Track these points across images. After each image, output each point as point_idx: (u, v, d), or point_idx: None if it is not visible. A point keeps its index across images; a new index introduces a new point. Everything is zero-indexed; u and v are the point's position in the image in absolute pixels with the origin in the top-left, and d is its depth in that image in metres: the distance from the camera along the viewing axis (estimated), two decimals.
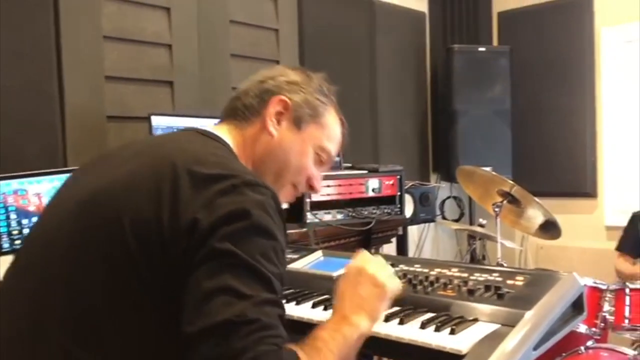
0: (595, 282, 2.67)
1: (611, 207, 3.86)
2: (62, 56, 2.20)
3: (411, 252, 3.68)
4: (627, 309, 2.53)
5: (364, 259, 1.10)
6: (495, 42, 4.25)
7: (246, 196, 0.90)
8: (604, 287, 2.66)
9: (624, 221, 3.53)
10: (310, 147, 1.14)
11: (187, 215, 0.86)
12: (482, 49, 3.95)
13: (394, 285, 1.08)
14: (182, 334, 0.82)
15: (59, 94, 2.21)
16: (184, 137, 1.09)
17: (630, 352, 2.41)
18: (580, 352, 2.39)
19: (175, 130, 2.27)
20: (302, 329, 1.03)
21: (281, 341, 0.84)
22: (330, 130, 1.18)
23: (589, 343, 2.43)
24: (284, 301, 1.45)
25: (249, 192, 0.90)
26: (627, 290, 2.55)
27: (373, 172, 2.87)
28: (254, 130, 1.12)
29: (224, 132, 1.11)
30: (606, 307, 2.63)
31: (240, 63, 2.87)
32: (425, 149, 4.12)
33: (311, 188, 1.18)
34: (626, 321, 2.53)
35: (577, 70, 3.89)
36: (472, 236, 3.76)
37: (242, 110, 1.13)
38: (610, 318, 2.61)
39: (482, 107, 3.88)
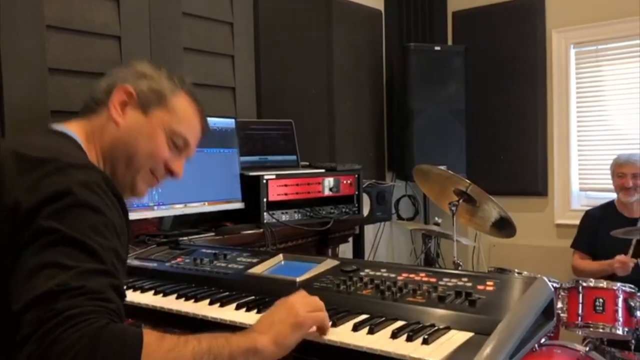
0: (549, 280, 2.71)
1: (560, 206, 3.95)
2: (1, 50, 2.04)
3: (367, 252, 3.66)
4: (580, 307, 2.59)
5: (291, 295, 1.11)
6: (450, 41, 4.27)
7: (70, 176, 0.92)
8: (557, 286, 2.71)
9: (572, 220, 3.62)
10: (159, 131, 1.15)
11: (10, 199, 0.89)
12: (437, 47, 3.97)
13: (312, 317, 1.07)
14: (13, 315, 0.82)
15: None
16: (29, 134, 1.11)
17: (582, 348, 2.46)
18: (534, 349, 2.42)
19: None
20: None
21: (113, 306, 0.84)
22: (181, 114, 1.18)
23: (542, 340, 2.46)
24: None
25: (74, 173, 0.93)
26: (580, 289, 2.61)
27: (331, 171, 2.83)
28: (101, 121, 1.14)
29: (71, 127, 1.13)
30: (559, 304, 2.68)
31: (194, 57, 2.76)
32: (381, 148, 4.11)
33: (171, 173, 1.19)
34: (579, 319, 2.58)
35: (529, 71, 3.96)
36: (427, 235, 3.78)
37: (90, 105, 1.17)
38: (563, 315, 2.66)
39: (438, 106, 3.90)
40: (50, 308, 0.79)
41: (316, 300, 1.10)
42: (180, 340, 0.88)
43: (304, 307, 1.06)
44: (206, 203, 2.47)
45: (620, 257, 2.90)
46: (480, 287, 1.20)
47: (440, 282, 1.25)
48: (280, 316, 1.04)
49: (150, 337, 0.85)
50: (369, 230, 3.78)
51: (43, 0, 2.17)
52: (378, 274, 1.34)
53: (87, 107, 1.17)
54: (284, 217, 2.63)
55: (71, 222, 0.87)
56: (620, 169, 3.22)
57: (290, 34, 3.32)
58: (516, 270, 2.75)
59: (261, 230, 2.49)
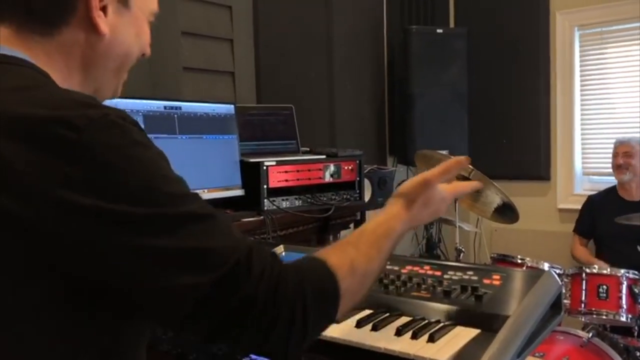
0: (552, 267, 2.70)
1: (563, 190, 3.92)
2: None
3: None
4: (583, 294, 2.57)
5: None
6: (452, 23, 4.20)
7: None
8: (561, 272, 2.70)
9: (575, 204, 3.59)
10: (144, 20, 0.93)
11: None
12: (439, 30, 3.90)
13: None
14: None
15: None
16: None
17: (585, 335, 2.45)
18: None
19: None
20: None
21: (252, 244, 0.76)
22: None
23: None
24: None
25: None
26: (584, 275, 2.59)
27: (332, 157, 2.78)
28: (71, 35, 0.82)
29: (19, 48, 0.79)
30: (562, 291, 2.67)
31: (192, 41, 2.71)
32: (382, 132, 4.06)
33: (143, 56, 0.97)
34: (582, 305, 2.57)
35: (533, 53, 3.90)
36: None
37: (38, 9, 0.80)
38: (566, 302, 2.64)
39: (439, 90, 3.84)
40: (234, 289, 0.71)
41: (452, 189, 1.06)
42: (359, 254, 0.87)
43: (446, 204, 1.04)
44: (206, 190, 2.43)
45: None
46: (486, 281, 1.18)
47: (445, 276, 1.22)
48: (432, 209, 1.02)
49: (338, 269, 0.81)
50: (370, 215, 3.75)
51: None
52: None
53: (29, 15, 0.80)
54: (285, 204, 2.59)
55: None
56: (615, 149, 3.29)
57: (290, 17, 3.26)
58: (519, 256, 2.74)
59: (261, 217, 2.46)
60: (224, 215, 0.79)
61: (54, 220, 0.66)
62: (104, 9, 0.83)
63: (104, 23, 0.83)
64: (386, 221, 0.96)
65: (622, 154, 3.21)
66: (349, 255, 0.85)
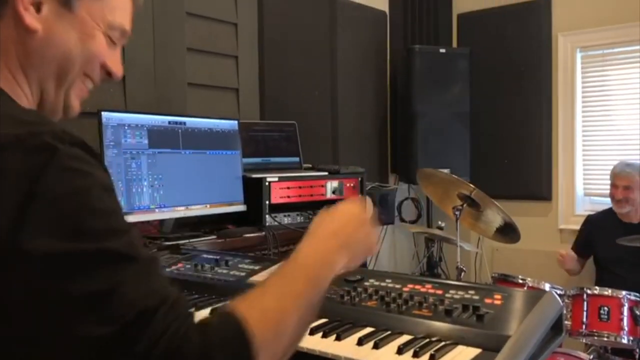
0: (552, 287, 2.69)
1: (565, 211, 3.92)
2: None
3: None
4: (584, 315, 2.56)
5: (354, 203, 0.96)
6: (455, 43, 4.24)
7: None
8: (562, 293, 2.69)
9: (576, 225, 3.59)
10: (93, 28, 0.86)
11: None
12: (442, 50, 3.93)
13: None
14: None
15: None
16: None
17: (586, 356, 2.44)
18: None
19: (126, 127, 2.16)
20: None
21: (173, 295, 0.69)
22: (114, 1, 0.89)
23: None
24: None
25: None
26: (585, 296, 2.58)
27: (334, 173, 2.80)
28: (4, 30, 0.80)
29: None
30: (564, 312, 2.66)
31: (197, 57, 2.74)
32: (385, 150, 4.08)
33: (109, 75, 0.92)
34: (583, 327, 2.56)
35: (535, 74, 3.93)
36: (430, 239, 3.75)
37: None
38: (567, 323, 2.63)
39: (442, 109, 3.87)
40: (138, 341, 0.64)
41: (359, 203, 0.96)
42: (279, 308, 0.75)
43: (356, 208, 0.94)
44: (208, 205, 2.45)
45: None
46: (487, 300, 1.18)
47: (447, 295, 1.23)
48: (355, 233, 0.91)
49: (252, 322, 0.70)
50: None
51: None
52: (383, 284, 1.32)
53: None
54: (286, 220, 2.60)
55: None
56: (614, 180, 3.22)
57: (295, 35, 3.29)
58: (520, 276, 2.73)
59: (263, 233, 2.47)
60: (152, 258, 0.72)
61: None
62: (37, 6, 0.81)
63: (32, 19, 0.80)
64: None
65: (623, 187, 3.14)
66: (266, 303, 0.76)
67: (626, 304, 2.50)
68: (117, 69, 0.92)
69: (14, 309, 0.64)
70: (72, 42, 0.84)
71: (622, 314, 2.48)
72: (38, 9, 0.80)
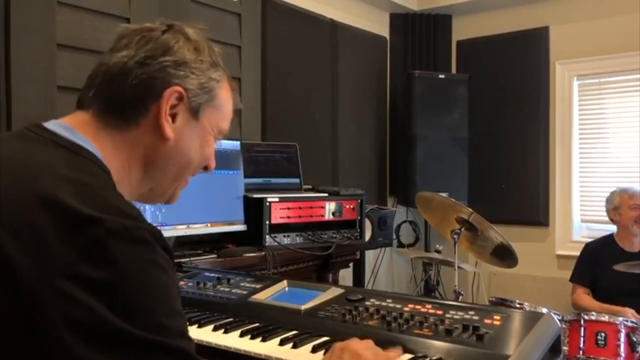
0: (549, 312, 2.70)
1: (562, 237, 3.94)
2: (11, 64, 2.06)
3: (367, 277, 3.64)
4: (581, 340, 2.57)
5: (352, 340, 1.04)
6: (454, 69, 4.31)
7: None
8: (559, 318, 2.70)
9: (573, 251, 3.61)
10: (210, 135, 0.95)
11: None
12: (441, 76, 4.00)
13: None
14: None
15: (6, 104, 2.06)
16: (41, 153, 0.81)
17: None
18: None
19: None
20: None
21: None
22: (226, 108, 0.97)
23: None
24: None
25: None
26: (582, 322, 2.59)
27: (334, 195, 2.83)
28: (139, 134, 0.88)
29: (88, 135, 0.84)
30: (562, 333, 2.66)
31: None
32: (383, 173, 4.11)
33: (206, 169, 1.00)
34: (580, 352, 2.56)
35: (533, 101, 3.99)
36: (427, 262, 3.76)
37: (116, 103, 0.87)
38: (564, 348, 2.64)
39: (441, 133, 3.92)
40: None
41: (375, 347, 1.03)
42: None
43: (366, 349, 1.00)
44: (209, 224, 2.46)
45: (631, 315, 2.83)
46: (487, 321, 1.19)
47: (447, 315, 1.24)
48: None
49: None
50: (369, 255, 3.76)
51: (54, 20, 2.19)
52: (384, 304, 1.34)
53: (109, 103, 0.87)
54: (286, 241, 2.62)
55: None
56: (635, 200, 3.20)
57: (297, 59, 3.35)
58: (517, 301, 2.74)
59: (263, 253, 2.48)
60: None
61: (48, 300, 0.67)
62: (173, 116, 0.89)
63: (170, 128, 0.88)
64: None
65: None
66: None
67: (623, 330, 2.51)
68: (214, 164, 1.00)
69: None
70: (194, 148, 0.93)
71: (619, 339, 2.49)
72: (174, 119, 0.89)
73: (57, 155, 0.80)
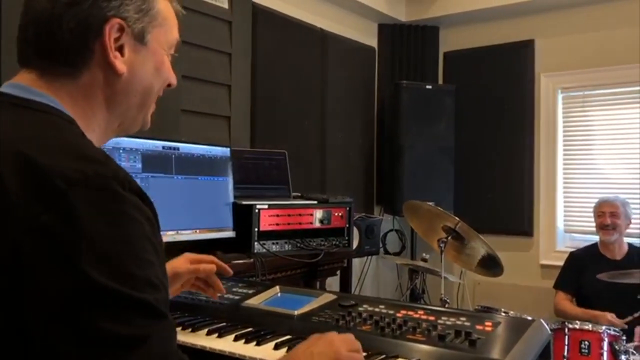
0: (540, 319, 2.73)
1: (546, 247, 3.99)
2: (2, 62, 2.05)
3: (353, 285, 3.65)
4: (565, 349, 2.60)
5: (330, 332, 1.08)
6: (441, 80, 4.36)
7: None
8: None
9: (557, 261, 3.66)
10: (162, 55, 0.93)
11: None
12: (428, 86, 4.04)
13: (352, 357, 1.04)
14: None
15: None
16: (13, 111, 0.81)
17: None
18: None
19: (121, 150, 2.18)
20: None
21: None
22: (170, 19, 0.94)
23: None
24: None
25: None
26: (566, 330, 2.62)
27: (323, 202, 2.84)
28: (91, 76, 0.86)
29: (48, 91, 0.83)
30: (552, 340, 2.70)
31: (192, 85, 2.78)
32: (370, 181, 4.14)
33: (170, 86, 0.99)
34: None
35: (518, 112, 4.05)
36: (414, 270, 3.78)
37: (59, 52, 0.84)
38: None
39: (427, 143, 3.95)
40: None
41: (355, 341, 1.06)
42: None
43: (344, 344, 1.03)
44: (197, 230, 2.46)
45: (610, 317, 2.90)
46: (479, 326, 1.21)
47: (439, 321, 1.26)
48: (319, 349, 0.99)
49: None
50: (356, 263, 3.78)
51: None
52: (377, 309, 1.35)
53: (51, 58, 0.84)
54: (275, 248, 2.62)
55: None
56: (600, 208, 3.33)
57: (286, 67, 3.37)
58: (503, 309, 2.77)
59: (251, 260, 2.48)
60: (174, 322, 0.79)
61: (22, 248, 0.68)
62: (120, 49, 0.86)
63: (120, 62, 0.86)
64: None
65: (609, 214, 3.25)
66: None
67: (606, 339, 2.54)
68: (174, 79, 0.98)
69: (38, 319, 0.68)
70: (150, 74, 0.91)
71: (602, 348, 2.52)
72: (121, 52, 0.86)
73: (17, 115, 0.79)
